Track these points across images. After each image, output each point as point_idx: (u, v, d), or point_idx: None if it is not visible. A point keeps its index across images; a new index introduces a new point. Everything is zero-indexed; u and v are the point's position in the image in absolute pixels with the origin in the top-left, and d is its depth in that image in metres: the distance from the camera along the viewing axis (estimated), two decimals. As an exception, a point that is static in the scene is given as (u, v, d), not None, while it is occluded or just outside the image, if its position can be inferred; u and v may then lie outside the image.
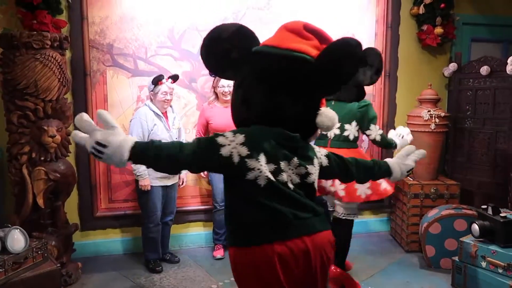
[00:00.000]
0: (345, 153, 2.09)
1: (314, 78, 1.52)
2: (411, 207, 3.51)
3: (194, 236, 3.63)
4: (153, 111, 3.06)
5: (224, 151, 1.43)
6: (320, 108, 1.58)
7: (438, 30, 3.75)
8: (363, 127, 2.81)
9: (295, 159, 1.52)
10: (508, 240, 2.68)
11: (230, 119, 2.83)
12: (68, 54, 3.12)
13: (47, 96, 2.68)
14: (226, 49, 1.57)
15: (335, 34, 4.00)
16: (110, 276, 3.08)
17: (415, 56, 3.88)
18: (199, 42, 3.55)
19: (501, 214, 2.74)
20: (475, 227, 2.81)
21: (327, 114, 1.58)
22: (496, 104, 3.55)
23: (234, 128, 1.76)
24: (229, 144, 1.44)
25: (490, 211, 2.80)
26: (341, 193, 2.72)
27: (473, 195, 3.70)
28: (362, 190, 2.72)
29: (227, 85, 3.22)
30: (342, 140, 2.80)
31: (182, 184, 3.35)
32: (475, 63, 3.65)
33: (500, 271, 2.66)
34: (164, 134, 3.08)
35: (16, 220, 2.67)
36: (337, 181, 2.69)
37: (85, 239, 3.42)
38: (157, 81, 3.01)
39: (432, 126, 3.51)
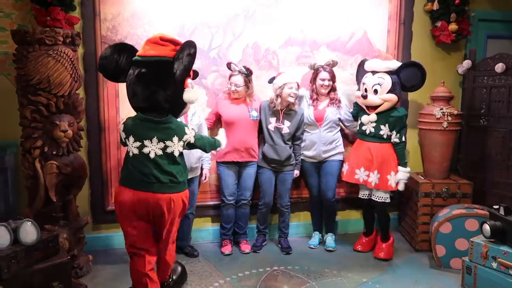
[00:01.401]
0: None
1: (174, 69, 2.30)
2: (422, 206, 3.47)
3: (202, 231, 3.66)
4: None
5: (121, 135, 2.43)
6: (185, 89, 2.38)
7: (453, 26, 3.67)
8: None
9: (155, 138, 2.34)
10: (520, 241, 2.63)
11: (238, 112, 3.50)
12: (80, 50, 3.17)
13: (59, 92, 2.73)
14: (115, 60, 2.45)
15: (346, 30, 4.00)
16: (121, 269, 3.12)
17: (428, 53, 3.81)
18: (210, 39, 3.59)
19: (514, 215, 2.70)
20: (486, 227, 2.77)
21: (189, 91, 2.40)
22: (511, 102, 3.47)
23: (241, 119, 3.30)
24: (121, 130, 2.42)
25: (502, 211, 2.76)
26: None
27: (486, 195, 3.64)
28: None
29: (234, 83, 3.24)
30: None
31: (205, 179, 3.37)
32: (490, 60, 3.58)
33: (511, 272, 2.62)
34: None
35: (29, 213, 2.74)
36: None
37: (96, 232, 3.48)
38: None
39: (445, 124, 3.46)
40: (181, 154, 2.46)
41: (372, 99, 3.19)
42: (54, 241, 2.40)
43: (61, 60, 2.68)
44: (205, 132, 3.29)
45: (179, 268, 2.91)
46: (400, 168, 3.23)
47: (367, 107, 3.25)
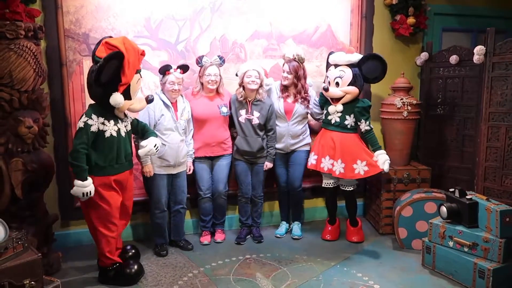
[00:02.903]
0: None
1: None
2: (385, 192, 3.65)
3: None
4: (162, 101, 3.11)
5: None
6: (112, 93, 2.60)
7: (411, 20, 3.86)
8: None
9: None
10: (473, 220, 2.85)
11: (212, 109, 3.27)
12: (43, 44, 3.08)
13: (22, 87, 2.66)
14: None
15: (311, 23, 4.10)
16: (92, 264, 3.10)
17: (388, 46, 3.99)
18: (177, 31, 3.59)
19: (467, 196, 2.90)
20: (443, 209, 2.97)
21: (113, 97, 2.60)
22: (464, 92, 3.70)
23: (211, 116, 3.34)
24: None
25: (457, 194, 2.96)
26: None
27: (443, 179, 3.87)
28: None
29: (213, 74, 3.26)
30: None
31: (190, 171, 3.38)
32: (445, 53, 3.79)
33: (466, 250, 2.83)
34: (170, 124, 3.14)
35: (-6, 211, 2.67)
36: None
37: (65, 229, 3.43)
38: (164, 71, 3.08)
39: (405, 113, 3.64)
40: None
41: (333, 91, 3.30)
42: (23, 239, 2.36)
43: (24, 55, 2.61)
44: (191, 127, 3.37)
45: (135, 267, 2.90)
46: (379, 151, 3.32)
47: (331, 98, 3.37)
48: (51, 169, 2.95)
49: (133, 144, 3.00)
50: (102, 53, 2.59)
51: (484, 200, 2.85)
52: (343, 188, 3.49)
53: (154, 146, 2.87)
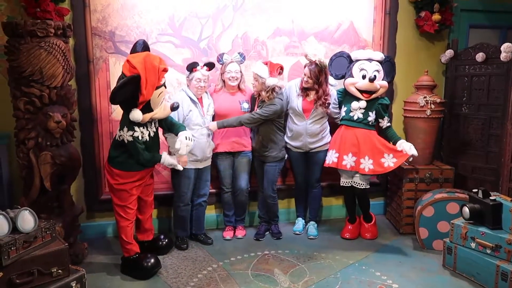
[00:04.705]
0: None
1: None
2: (406, 191, 3.61)
3: (206, 217, 3.66)
4: (189, 97, 3.18)
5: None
6: (132, 109, 2.69)
7: (436, 16, 3.78)
8: None
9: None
10: (496, 222, 2.79)
11: (233, 104, 3.37)
12: (71, 41, 3.19)
13: (52, 83, 2.76)
14: None
15: (333, 20, 4.06)
16: (115, 255, 3.20)
17: (412, 43, 3.92)
18: (199, 29, 3.63)
19: (491, 197, 2.84)
20: (466, 209, 2.92)
21: (132, 114, 2.69)
22: (490, 91, 3.61)
23: (233, 111, 3.33)
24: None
25: (480, 195, 2.90)
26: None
27: (466, 180, 3.79)
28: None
29: (234, 70, 3.30)
30: None
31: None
32: (471, 50, 3.70)
33: (488, 251, 2.77)
34: (198, 119, 3.21)
35: (24, 202, 2.78)
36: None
37: (91, 221, 3.55)
38: (191, 67, 3.15)
39: (428, 112, 3.58)
40: (121, 143, 2.80)
41: (376, 83, 3.29)
42: (51, 229, 2.46)
43: (53, 52, 2.71)
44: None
45: (151, 260, 2.95)
46: (400, 141, 3.34)
47: (363, 92, 3.31)
48: (78, 163, 3.06)
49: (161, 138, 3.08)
50: (126, 69, 2.67)
51: (508, 201, 2.78)
52: (355, 186, 3.45)
53: (187, 139, 2.88)
